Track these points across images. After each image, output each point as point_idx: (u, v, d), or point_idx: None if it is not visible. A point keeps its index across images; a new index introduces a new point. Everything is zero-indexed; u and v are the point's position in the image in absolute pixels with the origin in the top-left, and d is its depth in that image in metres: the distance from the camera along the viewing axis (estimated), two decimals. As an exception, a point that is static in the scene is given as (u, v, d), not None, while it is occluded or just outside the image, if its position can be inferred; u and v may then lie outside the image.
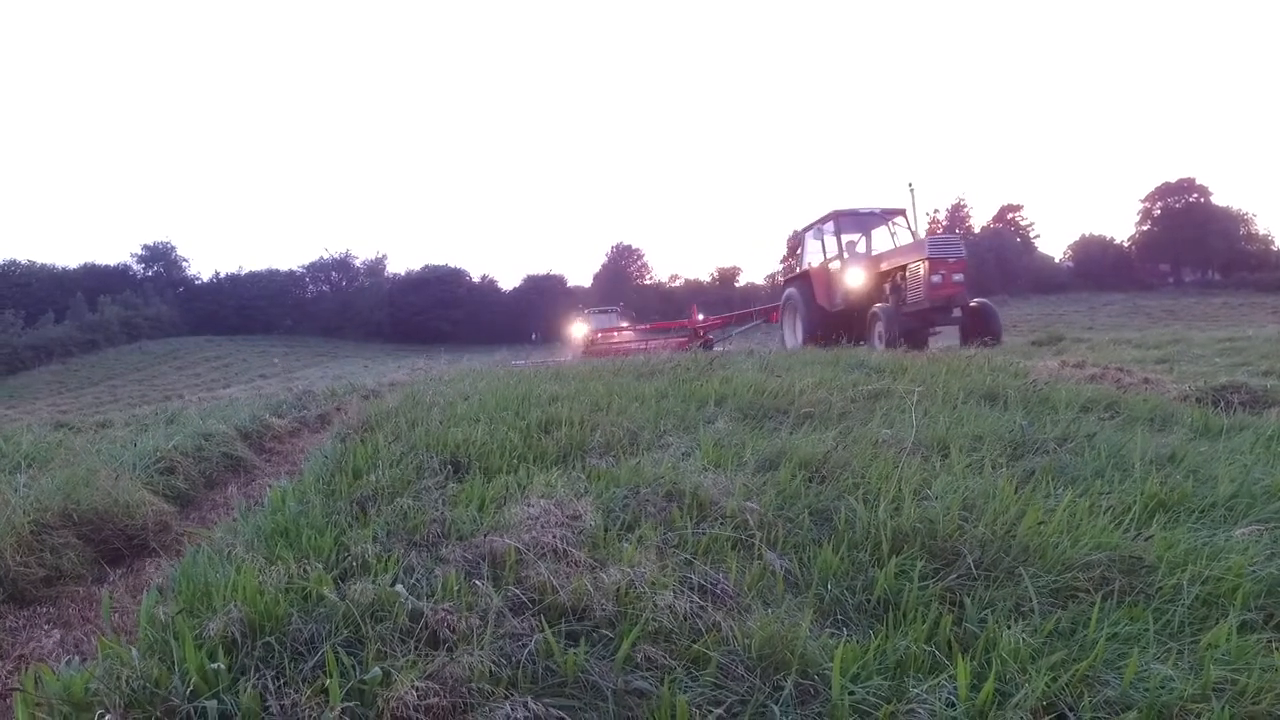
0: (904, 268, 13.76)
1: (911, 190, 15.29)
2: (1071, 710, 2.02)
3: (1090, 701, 2.02)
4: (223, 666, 2.08)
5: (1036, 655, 2.21)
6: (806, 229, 17.23)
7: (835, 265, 15.73)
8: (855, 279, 15.01)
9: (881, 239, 16.16)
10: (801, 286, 16.69)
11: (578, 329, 30.76)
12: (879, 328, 13.30)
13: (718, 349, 18.61)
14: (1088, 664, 2.13)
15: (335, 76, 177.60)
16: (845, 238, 16.14)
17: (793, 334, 17.16)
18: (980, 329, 13.36)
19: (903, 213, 15.39)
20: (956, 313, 13.23)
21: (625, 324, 31.39)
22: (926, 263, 13.01)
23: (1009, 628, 2.34)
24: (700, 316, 22.20)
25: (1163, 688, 2.05)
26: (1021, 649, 2.21)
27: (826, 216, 16.04)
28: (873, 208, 15.77)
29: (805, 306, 16.23)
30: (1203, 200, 71.74)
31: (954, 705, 2.00)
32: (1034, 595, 2.56)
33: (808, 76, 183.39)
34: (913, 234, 14.88)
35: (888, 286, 14.38)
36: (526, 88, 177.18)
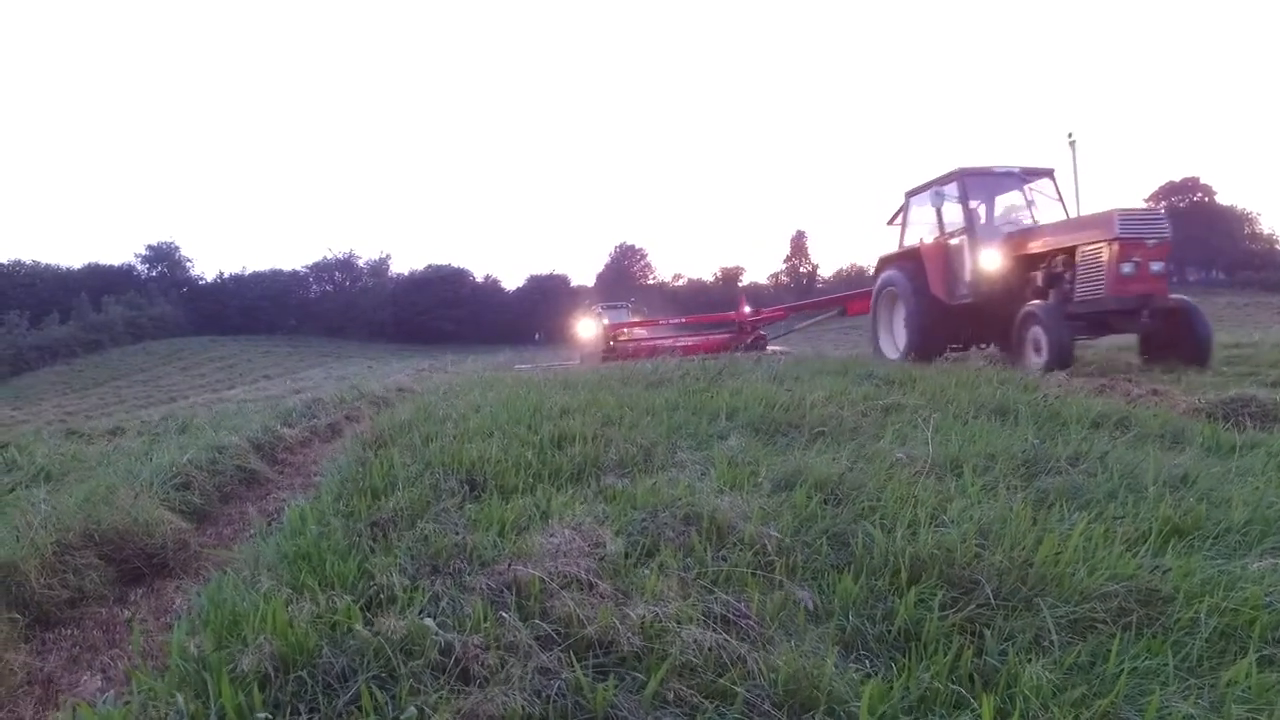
0: (1072, 250, 9.95)
1: (1072, 143, 10.84)
2: (1093, 748, 2.06)
3: (1113, 741, 2.05)
4: (268, 717, 2.11)
5: (1058, 691, 2.25)
6: (915, 192, 12.93)
7: (960, 242, 11.66)
8: (990, 262, 11.03)
9: (1009, 209, 12.30)
10: (907, 269, 12.30)
11: (585, 326, 27.70)
12: (1036, 335, 9.74)
13: (773, 349, 16.12)
14: (1108, 701, 2.17)
15: (339, 77, 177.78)
16: (974, 204, 11.94)
17: (889, 335, 13.11)
18: (1178, 340, 9.70)
19: (1050, 174, 11.86)
20: (1146, 316, 9.49)
21: (637, 319, 27.93)
22: (1115, 245, 9.35)
23: (1029, 661, 2.37)
24: (748, 309, 18.21)
25: (1184, 727, 2.08)
26: (1043, 685, 2.24)
27: (948, 176, 11.99)
28: (1010, 166, 11.92)
29: (914, 297, 11.91)
30: (1207, 199, 71.80)
31: (979, 744, 2.03)
32: (1053, 628, 2.59)
33: (808, 76, 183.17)
34: (1063, 204, 11.53)
35: (1039, 275, 10.57)
36: (530, 88, 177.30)
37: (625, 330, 21.15)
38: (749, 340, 16.49)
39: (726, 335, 17.35)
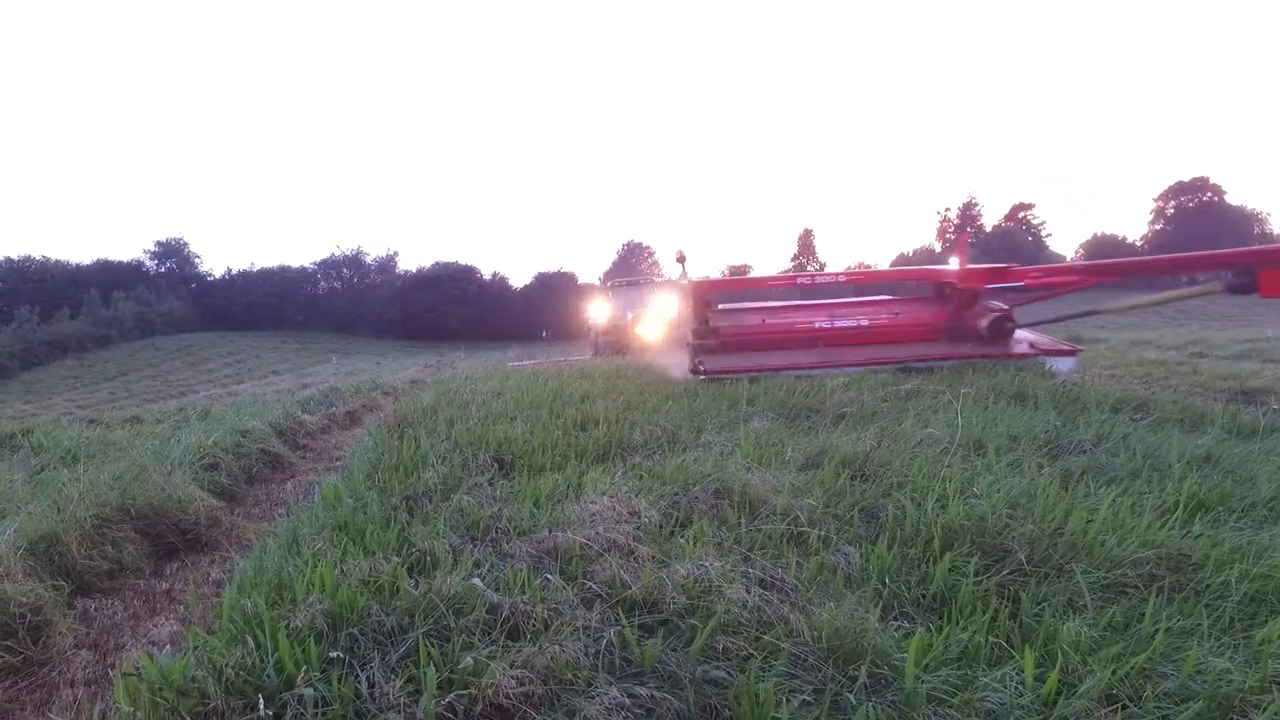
0: None
1: None
2: (1133, 701, 2.11)
3: (1153, 693, 2.10)
4: (340, 656, 2.17)
5: (1096, 647, 2.30)
6: None
7: None
8: None
9: None
10: None
11: (598, 309, 21.73)
12: None
13: (1027, 341, 8.62)
14: (1146, 656, 2.22)
15: (348, 74, 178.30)
16: None
17: None
18: None
19: None
20: None
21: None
22: None
23: (1066, 621, 2.43)
24: (958, 263, 9.43)
25: (1221, 680, 2.13)
26: (1082, 641, 2.30)
27: None
28: None
29: None
30: (1216, 199, 71.63)
31: (1021, 694, 2.08)
32: (1086, 591, 2.64)
33: (814, 74, 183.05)
34: None
35: None
36: (538, 85, 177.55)
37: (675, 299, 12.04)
38: (984, 324, 8.49)
39: (931, 311, 9.24)
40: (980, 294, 8.98)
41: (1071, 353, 8.52)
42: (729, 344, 8.73)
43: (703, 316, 8.94)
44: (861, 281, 10.95)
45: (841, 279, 10.81)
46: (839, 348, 8.49)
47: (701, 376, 7.65)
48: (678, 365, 8.73)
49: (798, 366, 7.80)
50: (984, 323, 8.50)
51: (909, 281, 11.83)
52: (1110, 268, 9.17)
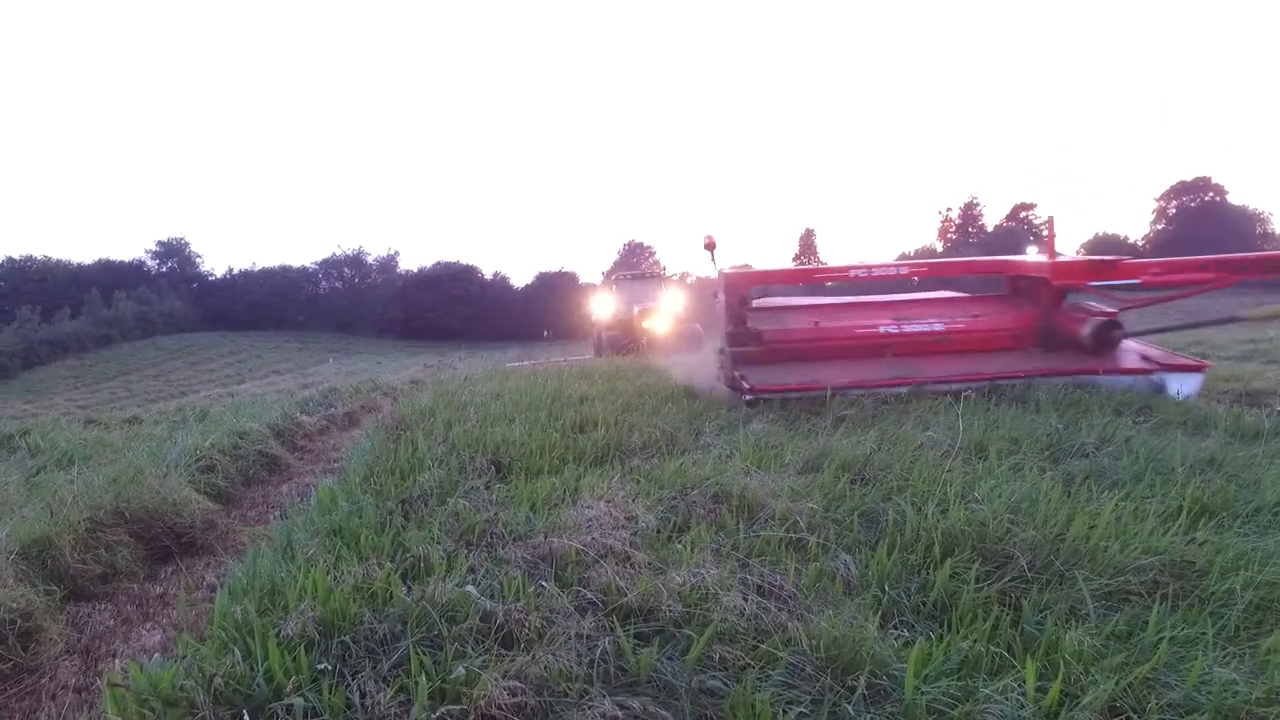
0: None
1: None
2: (1136, 712, 2.07)
3: (1156, 704, 2.06)
4: (328, 666, 2.14)
5: (1099, 656, 2.26)
6: None
7: None
8: None
9: None
10: None
11: (601, 304, 20.29)
12: None
13: (1139, 353, 7.15)
14: (1150, 666, 2.18)
15: (349, 74, 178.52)
16: None
17: None
18: None
19: None
20: None
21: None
22: None
23: (1068, 630, 2.39)
24: (1050, 253, 7.36)
25: (1226, 691, 2.09)
26: (1084, 651, 2.26)
27: None
28: None
29: None
30: (1218, 199, 71.46)
31: (1023, 706, 2.04)
32: (1089, 598, 2.60)
33: (814, 74, 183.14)
34: None
35: None
36: (539, 85, 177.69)
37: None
38: (1087, 331, 7.03)
39: (1014, 313, 7.64)
40: (1074, 292, 7.45)
41: (1198, 369, 6.93)
42: (774, 352, 7.14)
43: (739, 316, 7.22)
44: (927, 275, 8.72)
45: (904, 271, 8.37)
46: (912, 359, 7.07)
47: (747, 397, 6.30)
48: (681, 365, 8.23)
49: (869, 384, 6.47)
50: (1086, 329, 6.98)
51: (968, 276, 9.67)
52: (1256, 262, 6.92)
